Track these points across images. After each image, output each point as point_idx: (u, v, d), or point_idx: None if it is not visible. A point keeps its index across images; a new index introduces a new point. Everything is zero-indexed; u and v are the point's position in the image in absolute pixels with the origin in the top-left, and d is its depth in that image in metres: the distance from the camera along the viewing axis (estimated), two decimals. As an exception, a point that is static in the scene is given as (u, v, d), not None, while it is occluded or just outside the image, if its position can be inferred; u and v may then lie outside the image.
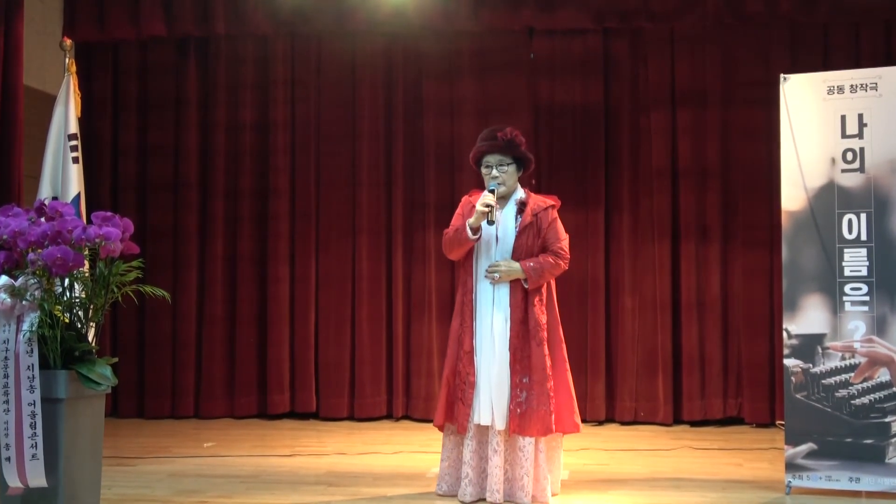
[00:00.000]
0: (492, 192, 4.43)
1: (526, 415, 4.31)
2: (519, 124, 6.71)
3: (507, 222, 4.48)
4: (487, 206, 4.36)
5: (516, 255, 4.42)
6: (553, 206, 4.54)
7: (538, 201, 4.53)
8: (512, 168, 4.50)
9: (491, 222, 4.38)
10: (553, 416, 4.35)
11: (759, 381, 6.55)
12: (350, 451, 5.75)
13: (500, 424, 4.31)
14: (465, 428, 4.38)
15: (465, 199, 4.60)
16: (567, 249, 4.53)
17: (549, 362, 4.38)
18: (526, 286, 4.39)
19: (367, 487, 4.77)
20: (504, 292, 4.41)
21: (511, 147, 4.50)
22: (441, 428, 4.53)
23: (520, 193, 4.55)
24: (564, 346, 4.53)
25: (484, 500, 4.35)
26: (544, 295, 4.48)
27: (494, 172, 4.47)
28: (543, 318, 4.43)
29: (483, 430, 4.39)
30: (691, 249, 6.72)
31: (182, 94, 7.18)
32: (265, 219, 7.09)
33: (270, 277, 7.05)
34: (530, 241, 4.44)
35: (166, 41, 7.11)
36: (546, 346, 4.40)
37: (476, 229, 4.40)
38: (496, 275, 4.39)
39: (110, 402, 6.70)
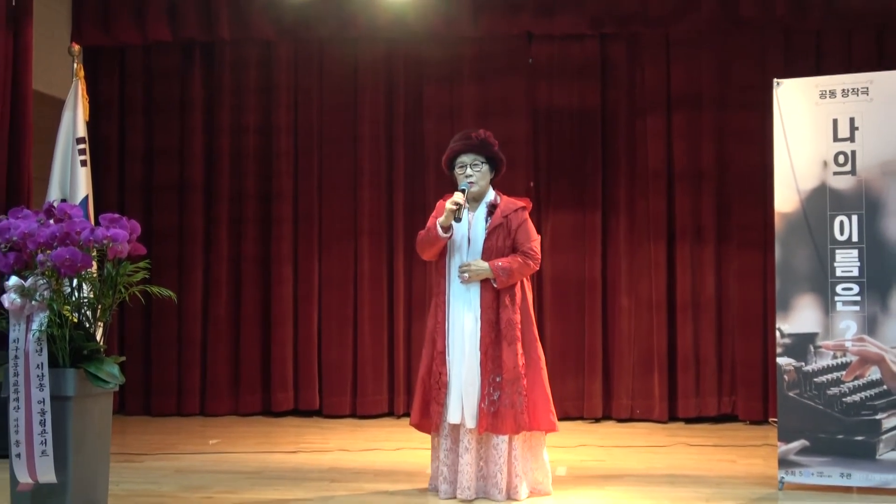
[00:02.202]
0: (462, 191, 4.43)
1: (498, 413, 4.29)
2: (518, 128, 6.82)
3: (477, 224, 4.47)
4: (456, 203, 4.36)
5: (486, 255, 4.40)
6: (524, 208, 4.52)
7: (509, 203, 4.51)
8: (485, 168, 4.49)
9: (458, 219, 4.37)
10: (526, 415, 4.33)
11: (752, 380, 6.56)
12: (352, 448, 5.77)
13: (471, 423, 4.31)
14: (439, 427, 4.40)
15: (440, 202, 4.57)
16: (538, 250, 4.49)
17: (521, 361, 4.35)
18: (495, 286, 4.37)
19: (369, 483, 4.79)
20: (475, 293, 4.39)
21: (484, 147, 4.49)
22: (416, 427, 4.53)
23: (491, 196, 4.54)
24: (539, 345, 4.48)
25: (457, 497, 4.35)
26: (517, 295, 4.43)
27: (468, 171, 4.46)
28: (517, 318, 4.39)
29: (457, 429, 4.38)
30: (686, 250, 6.74)
31: (187, 98, 7.20)
32: (269, 221, 7.11)
33: (274, 278, 7.07)
34: (500, 242, 4.42)
35: (171, 46, 7.13)
36: (519, 346, 4.36)
37: (446, 228, 4.40)
38: (466, 274, 4.38)
39: (117, 400, 6.72)
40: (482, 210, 4.49)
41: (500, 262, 4.36)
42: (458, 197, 4.39)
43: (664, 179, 6.78)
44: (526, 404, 4.33)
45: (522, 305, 4.44)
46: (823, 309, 4.57)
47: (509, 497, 4.34)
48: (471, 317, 4.38)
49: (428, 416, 4.45)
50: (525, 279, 4.50)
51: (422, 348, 6.73)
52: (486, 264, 4.37)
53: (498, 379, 4.33)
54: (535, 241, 4.49)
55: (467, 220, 4.47)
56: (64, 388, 3.95)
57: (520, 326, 4.39)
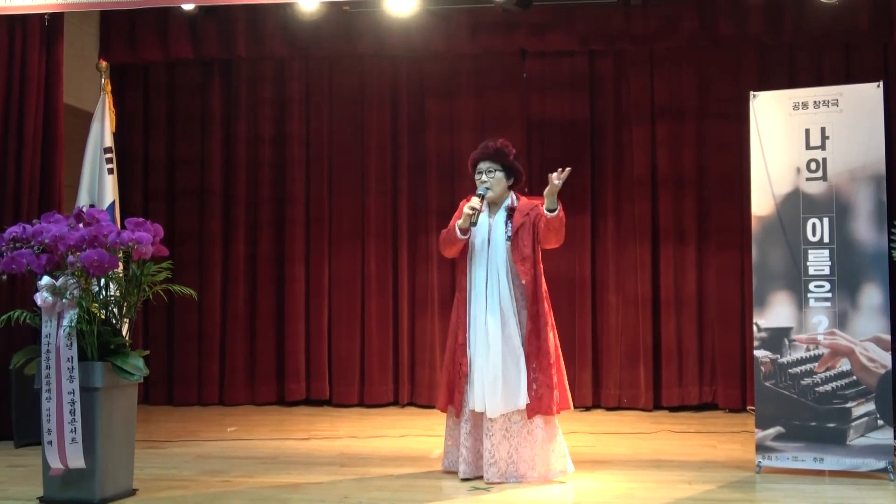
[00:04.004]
0: (480, 196, 4.41)
1: (542, 396, 4.30)
2: (513, 138, 6.68)
3: (498, 227, 4.44)
4: (473, 208, 4.35)
5: (516, 253, 4.38)
6: (540, 205, 4.47)
7: (526, 204, 4.49)
8: (500, 175, 4.47)
9: (474, 223, 4.36)
10: (557, 395, 4.37)
11: (731, 371, 6.53)
12: (360, 435, 5.75)
13: (492, 414, 4.28)
14: (460, 413, 4.39)
15: (463, 202, 4.57)
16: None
17: (552, 349, 4.38)
18: (550, 214, 4.27)
19: (376, 468, 4.77)
20: (506, 292, 4.36)
21: (499, 155, 4.48)
22: (444, 410, 4.52)
23: (509, 200, 4.51)
24: (556, 332, 4.52)
25: (479, 477, 4.34)
26: (544, 288, 4.44)
27: (483, 178, 4.46)
28: (546, 308, 4.43)
29: (478, 415, 4.37)
30: (669, 251, 6.71)
31: (207, 111, 7.18)
32: (282, 224, 7.09)
33: (287, 277, 7.04)
34: (525, 241, 4.39)
35: (192, 63, 7.10)
36: (551, 333, 4.41)
37: (465, 230, 4.39)
38: (557, 179, 4.26)
39: (142, 391, 6.65)
40: (501, 214, 4.47)
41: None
42: (474, 202, 4.39)
43: (648, 185, 6.76)
44: (557, 387, 4.36)
45: (547, 296, 4.47)
46: (797, 305, 4.55)
47: (544, 477, 4.32)
48: (494, 315, 4.35)
49: (452, 401, 4.44)
50: (542, 277, 4.48)
51: (425, 341, 6.85)
52: (555, 198, 4.28)
53: (536, 366, 4.33)
54: None
55: (488, 223, 4.45)
56: (92, 380, 3.94)
57: (549, 315, 4.43)
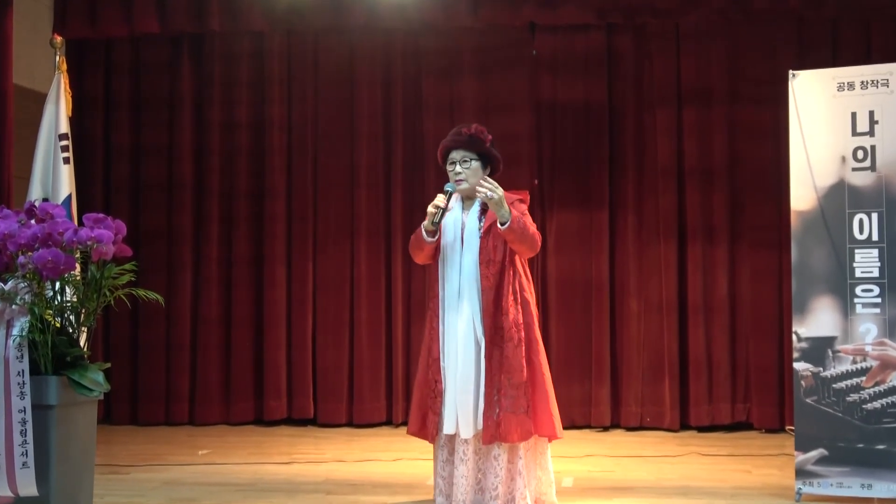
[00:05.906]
0: (447, 192, 4.34)
1: (503, 420, 4.19)
2: (521, 123, 6.81)
3: (471, 224, 4.36)
4: (436, 206, 4.29)
5: (483, 255, 4.30)
6: (521, 200, 4.40)
7: (506, 198, 4.30)
8: (476, 165, 4.36)
9: (435, 223, 4.29)
10: (530, 420, 4.23)
11: (767, 386, 6.54)
12: (348, 459, 5.74)
13: (465, 433, 4.23)
14: (434, 437, 4.33)
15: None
16: (539, 236, 4.36)
17: (525, 363, 4.25)
18: (501, 227, 4.19)
19: (366, 496, 4.76)
20: (472, 298, 4.27)
21: (474, 143, 4.37)
22: (415, 435, 4.45)
23: None
24: (541, 347, 4.36)
25: None
26: (517, 293, 4.32)
27: (458, 169, 4.37)
28: (520, 319, 4.29)
29: (453, 439, 4.30)
30: (698, 250, 6.71)
31: (176, 93, 7.18)
32: (261, 220, 7.09)
33: (267, 280, 7.04)
34: (496, 241, 4.29)
35: (160, 38, 7.11)
36: (523, 348, 4.26)
37: (431, 231, 4.32)
38: (486, 192, 4.16)
39: (103, 409, 6.70)
40: (475, 209, 4.38)
41: (518, 216, 4.22)
42: (438, 200, 4.32)
43: (674, 176, 6.76)
44: (530, 409, 4.25)
45: (525, 307, 4.33)
46: (842, 311, 4.54)
47: None
48: (466, 321, 4.29)
49: (424, 425, 4.38)
50: (528, 279, 4.43)
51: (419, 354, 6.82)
52: (506, 205, 4.18)
53: (499, 384, 4.25)
54: (534, 227, 4.36)
55: (461, 220, 4.38)
56: (46, 397, 3.92)
57: (523, 328, 4.29)
